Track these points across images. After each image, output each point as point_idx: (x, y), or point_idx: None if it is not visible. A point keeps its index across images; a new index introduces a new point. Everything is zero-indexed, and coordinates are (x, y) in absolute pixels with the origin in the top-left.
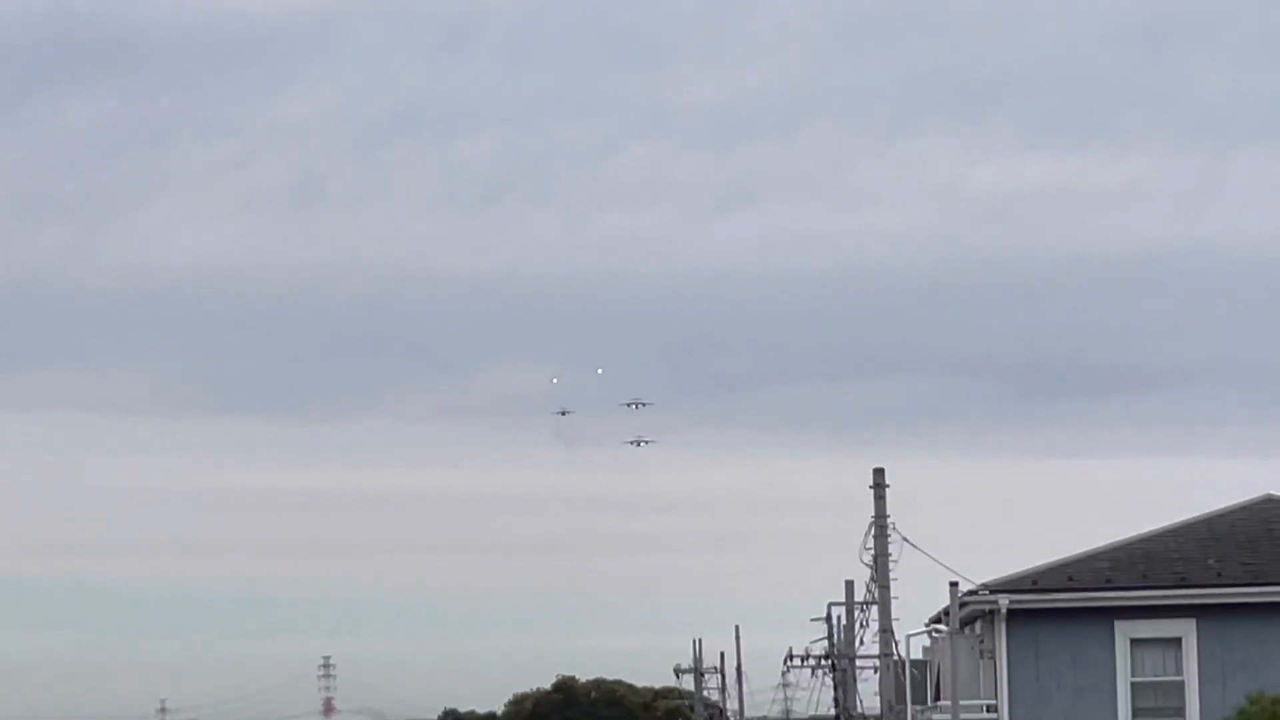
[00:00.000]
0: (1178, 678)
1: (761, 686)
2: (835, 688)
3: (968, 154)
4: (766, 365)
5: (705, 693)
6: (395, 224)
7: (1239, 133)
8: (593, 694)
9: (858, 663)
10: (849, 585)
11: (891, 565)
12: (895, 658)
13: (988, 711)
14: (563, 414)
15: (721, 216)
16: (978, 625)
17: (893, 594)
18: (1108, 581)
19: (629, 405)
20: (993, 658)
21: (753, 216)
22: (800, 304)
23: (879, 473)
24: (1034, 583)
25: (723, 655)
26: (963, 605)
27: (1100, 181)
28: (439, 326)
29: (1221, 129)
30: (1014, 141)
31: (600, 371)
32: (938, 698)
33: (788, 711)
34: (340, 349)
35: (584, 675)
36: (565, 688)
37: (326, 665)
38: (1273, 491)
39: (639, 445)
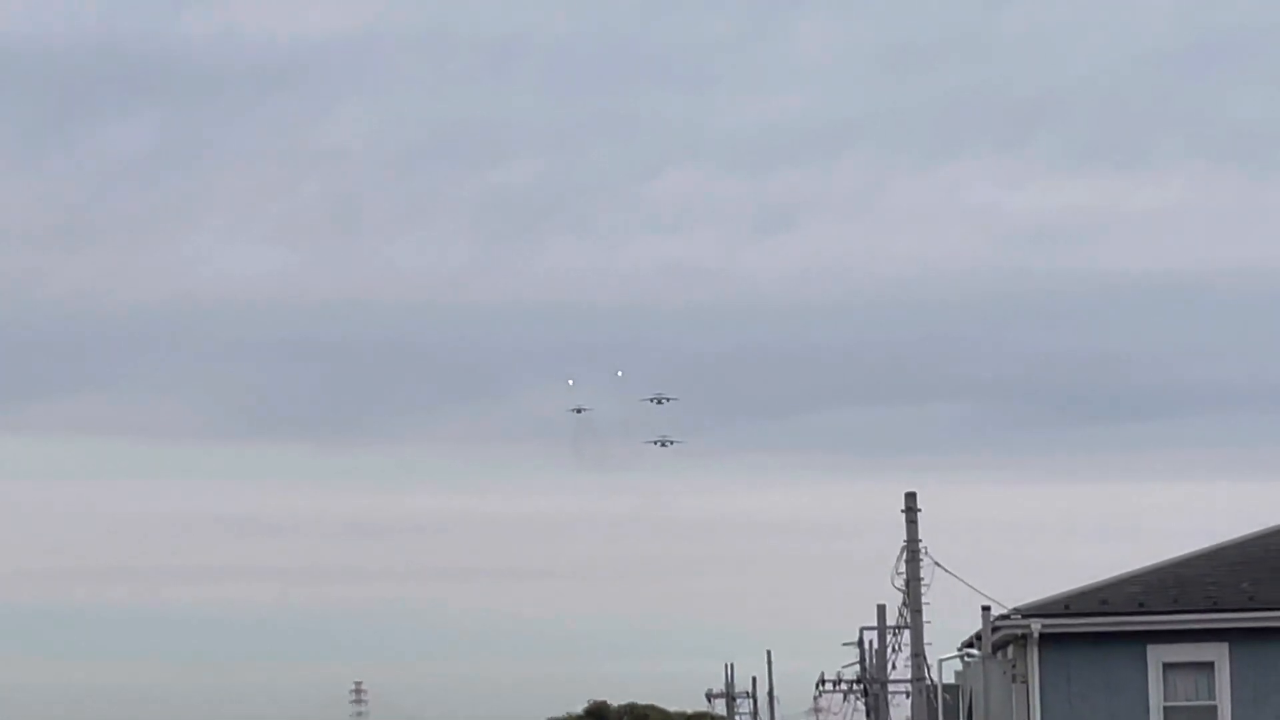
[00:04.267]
0: (1210, 702)
1: (794, 711)
2: (867, 712)
3: (1006, 178)
4: (801, 389)
5: (738, 717)
6: (433, 249)
7: (1277, 156)
8: (625, 718)
9: (890, 687)
10: (881, 610)
11: (923, 589)
12: (927, 682)
13: None
14: (579, 411)
15: (759, 241)
16: (1010, 649)
17: (925, 618)
18: (1140, 605)
19: (652, 400)
20: (1025, 682)
21: (790, 241)
22: (835, 328)
23: (911, 497)
24: (1066, 607)
25: (755, 680)
26: (995, 629)
27: (1138, 205)
28: (475, 351)
29: (1259, 152)
30: (1052, 165)
31: (620, 374)
32: None
33: None
34: (376, 373)
35: (616, 700)
36: (597, 712)
37: (359, 690)
38: None
39: (663, 445)
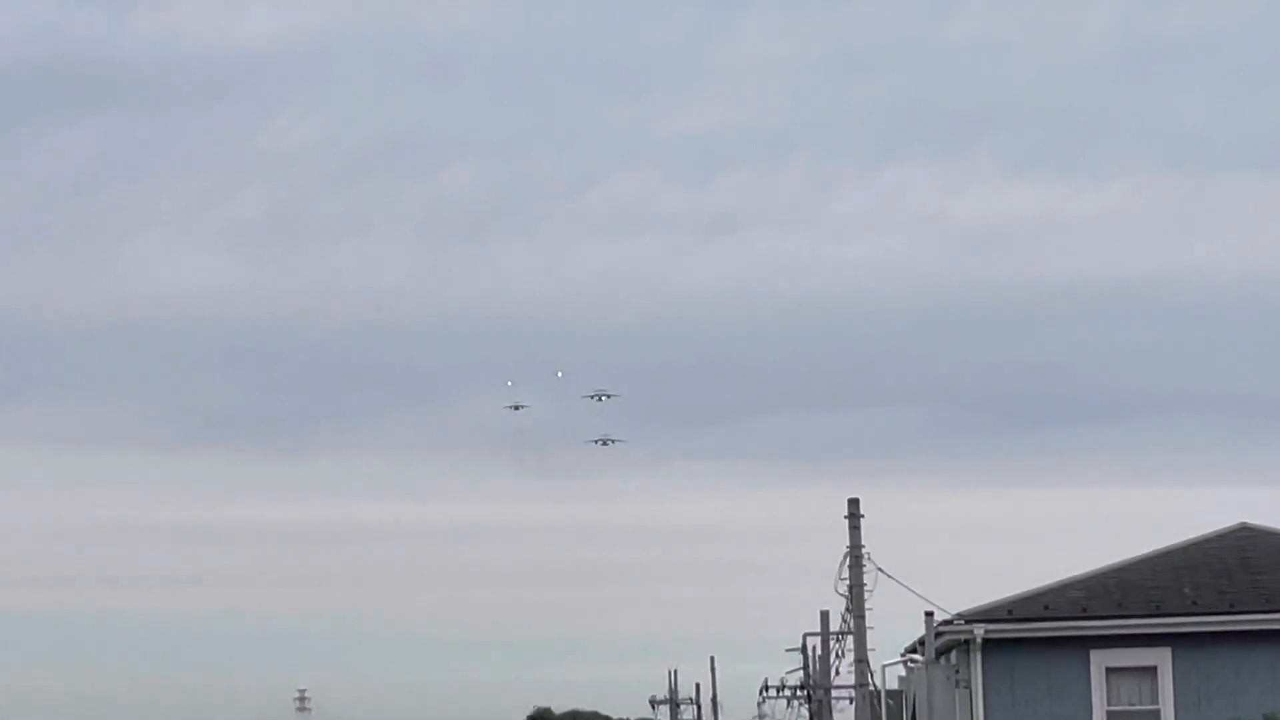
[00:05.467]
0: (1154, 706)
1: (738, 717)
2: (811, 717)
3: (950, 184)
4: (743, 395)
5: None
6: (377, 255)
7: (1220, 162)
8: None
9: (833, 693)
10: (824, 616)
11: (867, 595)
12: (871, 688)
13: None
14: (516, 408)
15: (702, 247)
16: (953, 655)
17: (868, 624)
18: (1083, 610)
19: (592, 398)
20: (968, 687)
21: (734, 247)
22: (778, 334)
23: (854, 503)
24: (1009, 612)
25: (698, 686)
26: (938, 635)
27: (1081, 211)
28: (420, 358)
29: (1202, 158)
30: (996, 171)
31: (560, 374)
32: None
33: None
34: (321, 380)
35: (559, 706)
36: (541, 719)
37: (302, 698)
38: (1247, 520)
39: (605, 445)
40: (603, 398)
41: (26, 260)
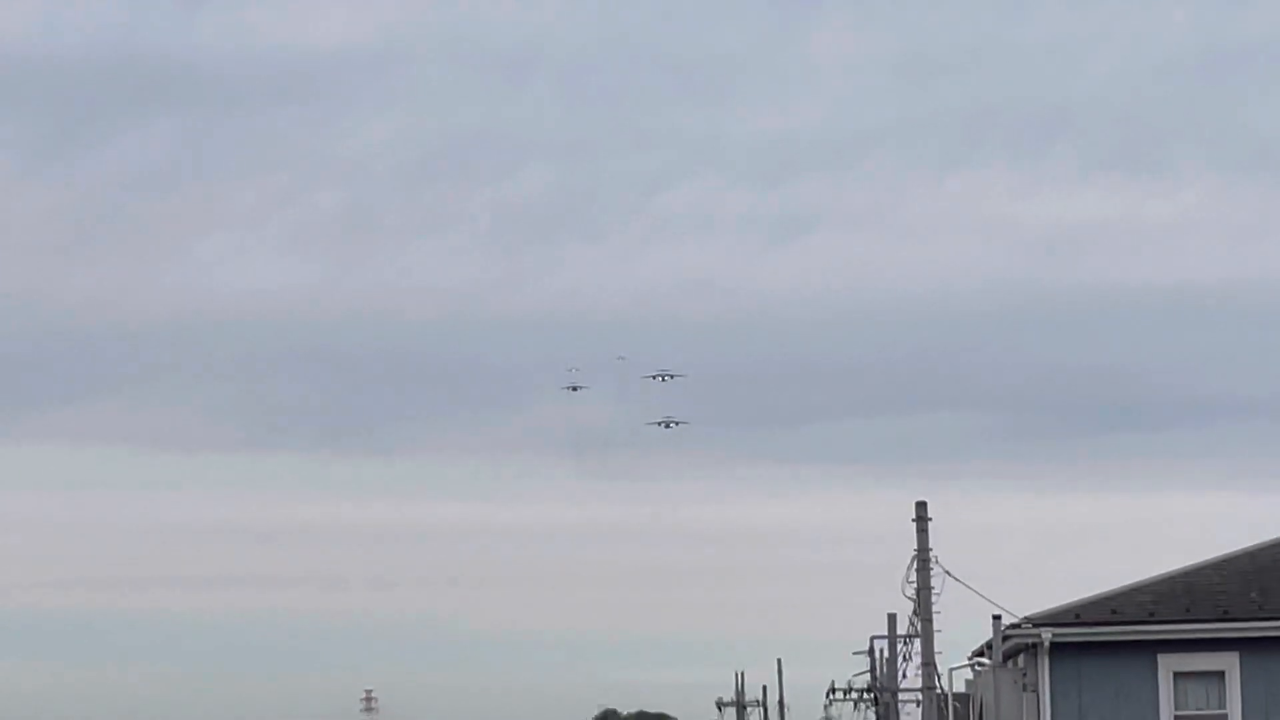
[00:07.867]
0: (1221, 711)
1: None
2: None
3: (1023, 189)
4: (812, 398)
5: None
6: (447, 256)
7: None
8: None
9: (900, 696)
10: (891, 618)
11: (934, 598)
12: (938, 691)
13: None
14: (574, 389)
15: (774, 251)
16: (1020, 658)
17: (935, 627)
18: (1151, 615)
19: (654, 378)
20: (1035, 691)
21: (806, 250)
22: (849, 337)
23: (921, 506)
24: (1077, 616)
25: (765, 688)
26: (1005, 638)
27: (1154, 215)
28: (489, 359)
29: (1277, 163)
30: (1069, 175)
31: (622, 358)
32: None
33: None
34: (389, 383)
35: (626, 708)
36: None
37: (369, 698)
38: None
39: (667, 427)
40: (665, 378)
41: (99, 260)
